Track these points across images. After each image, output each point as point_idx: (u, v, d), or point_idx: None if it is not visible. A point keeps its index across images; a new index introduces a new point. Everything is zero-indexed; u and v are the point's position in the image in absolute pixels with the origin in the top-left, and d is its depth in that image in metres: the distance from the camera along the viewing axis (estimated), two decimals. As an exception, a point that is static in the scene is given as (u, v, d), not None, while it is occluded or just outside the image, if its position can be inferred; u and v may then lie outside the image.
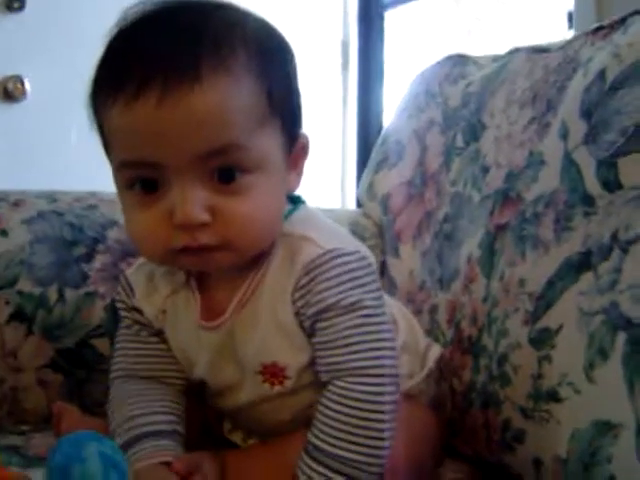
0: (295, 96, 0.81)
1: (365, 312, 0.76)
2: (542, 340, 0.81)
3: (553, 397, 0.78)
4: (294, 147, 0.80)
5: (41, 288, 1.07)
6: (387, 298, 0.95)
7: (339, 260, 0.77)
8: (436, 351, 0.95)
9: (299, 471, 0.75)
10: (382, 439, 0.74)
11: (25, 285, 1.06)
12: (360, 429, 0.74)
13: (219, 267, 0.78)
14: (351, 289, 0.76)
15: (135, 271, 0.88)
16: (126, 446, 0.79)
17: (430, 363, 0.93)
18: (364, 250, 0.81)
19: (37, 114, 2.06)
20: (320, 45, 2.28)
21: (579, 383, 0.75)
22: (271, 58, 0.76)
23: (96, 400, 1.02)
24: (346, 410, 0.74)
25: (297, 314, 0.78)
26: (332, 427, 0.74)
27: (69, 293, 1.08)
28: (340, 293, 0.76)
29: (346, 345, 0.75)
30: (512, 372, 0.85)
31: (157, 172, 0.72)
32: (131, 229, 0.78)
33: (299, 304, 0.77)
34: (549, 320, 0.81)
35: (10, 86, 2.03)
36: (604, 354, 0.74)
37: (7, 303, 1.05)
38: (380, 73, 2.15)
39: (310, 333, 0.78)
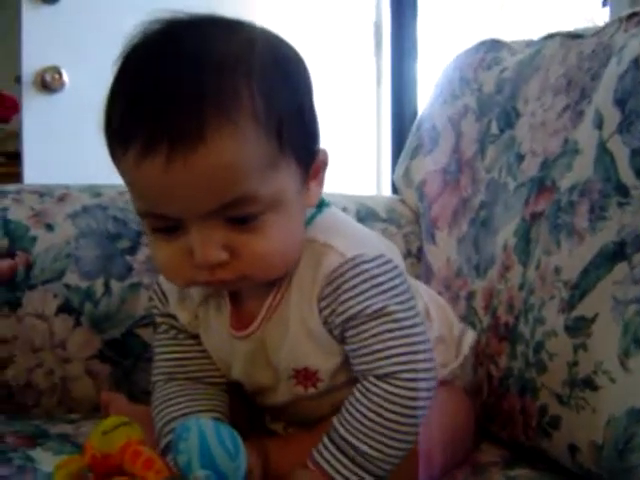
0: (308, 118, 0.79)
1: (392, 317, 0.76)
2: (578, 328, 0.82)
3: (589, 385, 0.79)
4: (312, 166, 0.79)
5: (88, 281, 1.10)
6: (419, 286, 0.96)
7: (361, 268, 0.77)
8: (470, 337, 0.95)
9: (318, 455, 0.75)
10: (409, 442, 0.75)
11: (72, 278, 1.09)
12: (389, 431, 0.74)
13: (241, 290, 0.82)
14: (375, 296, 0.76)
15: None
16: (168, 449, 0.79)
17: (465, 351, 0.93)
18: (388, 253, 0.80)
19: (74, 105, 2.08)
20: (352, 27, 2.27)
21: (614, 371, 0.77)
22: (279, 87, 0.74)
23: (143, 388, 1.04)
24: (378, 410, 0.74)
25: (325, 322, 0.79)
26: (361, 423, 0.74)
27: (114, 285, 1.10)
28: (363, 301, 0.76)
29: (374, 352, 0.76)
30: (548, 359, 0.86)
31: (174, 220, 0.73)
32: (155, 257, 0.79)
33: (325, 313, 0.78)
34: (584, 309, 0.82)
35: (48, 77, 2.05)
36: (638, 343, 0.75)
37: (55, 296, 1.08)
38: (414, 54, 2.14)
39: (341, 340, 0.79)
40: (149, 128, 0.69)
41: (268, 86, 0.73)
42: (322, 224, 0.82)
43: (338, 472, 0.74)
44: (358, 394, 0.76)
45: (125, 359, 1.10)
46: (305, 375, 0.82)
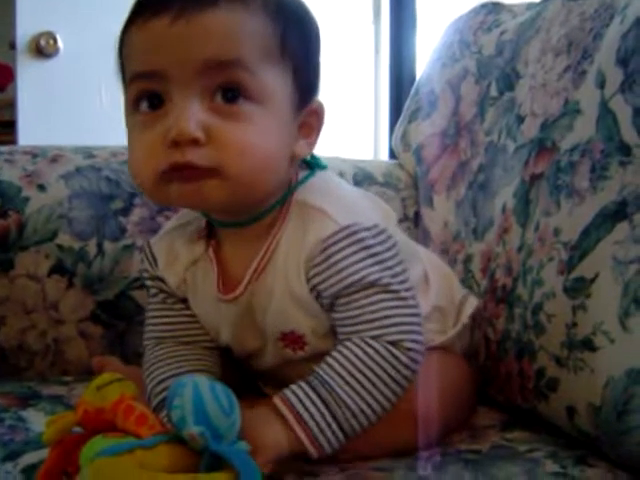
0: (312, 61, 0.81)
1: (387, 289, 0.75)
2: (577, 289, 0.81)
3: (587, 346, 0.79)
4: (305, 109, 0.79)
5: (80, 242, 1.09)
6: (422, 251, 0.95)
7: (356, 237, 0.76)
8: (471, 305, 0.94)
9: (289, 391, 0.73)
10: (385, 407, 0.75)
11: (64, 239, 1.08)
12: (374, 388, 0.74)
13: (213, 202, 0.76)
14: (370, 266, 0.75)
15: (158, 240, 0.88)
16: (159, 409, 0.79)
17: (464, 319, 0.92)
18: (382, 222, 0.79)
19: (69, 71, 2.07)
20: (352, -5, 2.26)
21: (614, 332, 0.76)
22: (289, 16, 0.77)
23: (136, 351, 1.04)
24: (372, 366, 0.74)
25: (312, 289, 0.78)
26: (348, 372, 0.73)
27: (108, 246, 1.09)
28: (359, 271, 0.75)
29: (369, 321, 0.75)
30: (546, 321, 0.85)
31: (163, 85, 0.73)
32: (130, 156, 0.78)
33: (315, 281, 0.77)
34: (584, 269, 0.81)
35: (43, 42, 2.03)
36: (639, 303, 0.74)
37: (47, 257, 1.07)
38: (413, 22, 2.12)
39: (328, 309, 0.78)
40: None
41: (280, 5, 0.77)
42: (315, 187, 0.81)
43: (306, 409, 0.72)
44: (353, 347, 0.75)
45: (118, 321, 1.10)
46: (292, 338, 0.82)
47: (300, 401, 0.73)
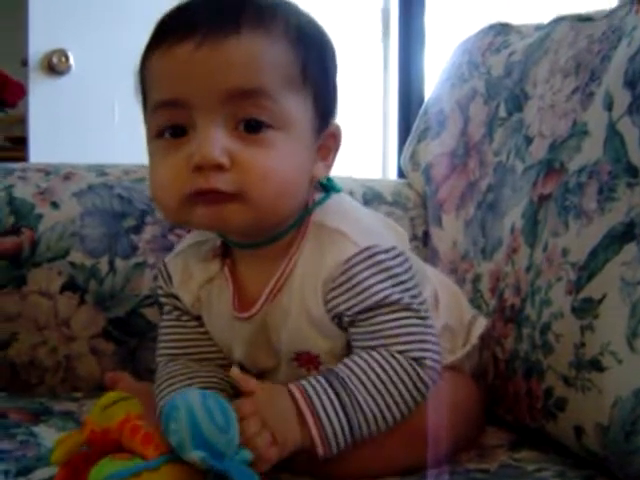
0: (331, 85, 0.82)
1: (408, 307, 0.77)
2: (585, 309, 0.82)
3: (595, 366, 0.79)
4: (324, 132, 0.80)
5: (92, 259, 1.09)
6: (431, 271, 0.96)
7: (376, 259, 0.77)
8: (481, 325, 0.94)
9: (310, 387, 0.74)
10: (396, 417, 0.76)
11: (77, 256, 1.09)
12: (390, 397, 0.75)
13: (234, 226, 0.77)
14: (391, 287, 0.76)
15: (173, 258, 0.89)
16: None
17: (473, 340, 0.92)
18: (399, 244, 0.80)
19: (80, 88, 2.08)
20: (360, 13, 2.26)
21: (621, 352, 0.76)
22: (309, 42, 0.78)
23: (148, 367, 1.04)
24: (393, 377, 0.75)
25: (329, 311, 0.78)
26: (370, 379, 0.75)
27: (119, 264, 1.10)
28: (379, 292, 0.76)
29: (392, 336, 0.76)
30: (555, 341, 0.85)
31: (186, 114, 0.74)
32: (152, 179, 0.78)
33: (334, 302, 0.77)
34: (592, 290, 0.82)
35: (55, 60, 2.05)
36: (646, 324, 0.74)
37: (60, 274, 1.08)
38: (421, 41, 2.13)
39: (347, 327, 0.79)
40: (188, 20, 0.74)
41: (301, 31, 0.78)
42: (332, 208, 0.82)
43: (324, 409, 0.73)
44: (378, 357, 0.76)
45: (130, 338, 1.10)
46: (307, 358, 0.82)
47: (319, 399, 0.74)
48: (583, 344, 0.81)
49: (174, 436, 0.65)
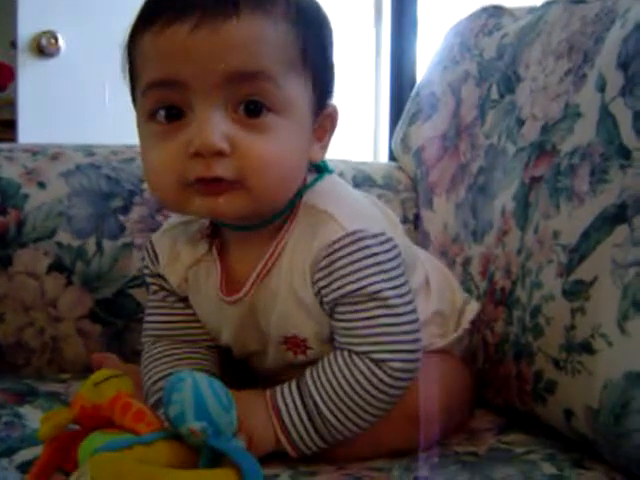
0: (329, 65, 0.80)
1: (386, 303, 0.75)
2: (576, 292, 0.81)
3: (586, 348, 0.78)
4: (322, 114, 0.79)
5: (79, 240, 1.08)
6: (423, 255, 0.95)
7: (361, 244, 0.75)
8: (472, 309, 0.93)
9: (279, 396, 0.76)
10: (369, 422, 0.76)
11: (64, 237, 1.08)
12: (357, 407, 0.75)
13: (233, 213, 0.75)
14: (372, 275, 0.75)
15: (160, 237, 0.88)
16: (156, 407, 0.79)
17: (465, 324, 0.92)
18: (389, 230, 0.79)
19: (70, 70, 2.07)
20: (353, -2, 2.26)
21: (612, 335, 0.76)
22: (309, 21, 0.77)
23: (135, 349, 1.04)
24: (356, 387, 0.75)
25: (317, 294, 0.77)
26: (334, 390, 0.75)
27: (107, 244, 1.09)
28: (360, 280, 0.75)
29: (361, 336, 0.76)
30: (545, 324, 0.85)
31: (182, 95, 0.72)
32: (146, 164, 0.76)
33: (320, 285, 0.76)
34: (583, 272, 0.81)
35: (44, 42, 2.03)
36: (638, 306, 0.74)
37: (46, 254, 1.07)
38: (414, 26, 2.12)
39: (329, 314, 0.78)
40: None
41: (300, 12, 0.75)
42: (323, 190, 0.81)
43: (290, 417, 0.75)
44: (341, 362, 0.76)
45: (117, 319, 1.10)
46: (295, 342, 0.81)
47: (286, 407, 0.75)
48: (574, 327, 0.81)
49: (175, 405, 0.65)
